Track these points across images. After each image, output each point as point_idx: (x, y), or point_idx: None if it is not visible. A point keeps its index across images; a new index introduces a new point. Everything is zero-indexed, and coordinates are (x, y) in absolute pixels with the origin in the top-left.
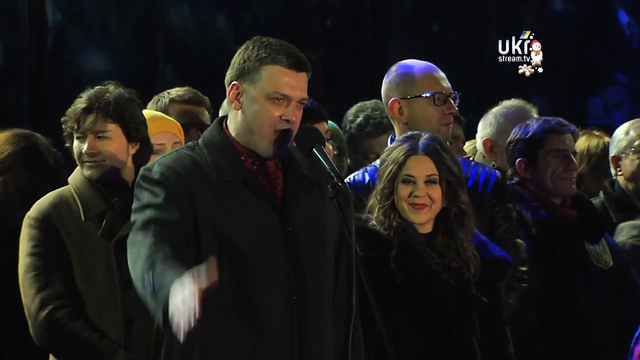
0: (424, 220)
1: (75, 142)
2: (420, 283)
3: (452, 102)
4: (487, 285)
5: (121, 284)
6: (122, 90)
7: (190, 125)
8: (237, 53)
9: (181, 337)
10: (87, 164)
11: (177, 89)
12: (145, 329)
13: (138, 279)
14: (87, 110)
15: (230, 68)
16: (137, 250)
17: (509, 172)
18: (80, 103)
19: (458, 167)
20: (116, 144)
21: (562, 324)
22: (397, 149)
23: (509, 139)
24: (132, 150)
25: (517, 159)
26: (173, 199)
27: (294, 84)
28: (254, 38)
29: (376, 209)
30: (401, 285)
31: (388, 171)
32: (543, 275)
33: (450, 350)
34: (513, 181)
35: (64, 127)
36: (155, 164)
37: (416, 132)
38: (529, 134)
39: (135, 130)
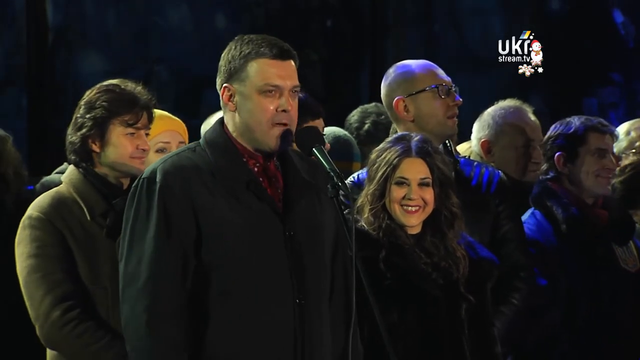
0: (415, 223)
1: (125, 137)
2: (409, 283)
3: (455, 94)
4: (474, 286)
5: None
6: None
7: None
8: (221, 57)
9: None
10: (141, 159)
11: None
12: None
13: (132, 329)
14: (144, 107)
15: (218, 73)
16: (135, 290)
17: (544, 167)
18: (131, 99)
19: (448, 168)
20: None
21: (585, 324)
22: (389, 151)
23: (547, 135)
24: None
25: (556, 153)
26: (173, 217)
27: (282, 73)
28: (236, 38)
29: (366, 210)
30: (391, 285)
31: (381, 173)
32: (569, 273)
33: (441, 350)
34: (548, 176)
35: (104, 114)
36: (157, 172)
37: (406, 133)
38: (572, 130)
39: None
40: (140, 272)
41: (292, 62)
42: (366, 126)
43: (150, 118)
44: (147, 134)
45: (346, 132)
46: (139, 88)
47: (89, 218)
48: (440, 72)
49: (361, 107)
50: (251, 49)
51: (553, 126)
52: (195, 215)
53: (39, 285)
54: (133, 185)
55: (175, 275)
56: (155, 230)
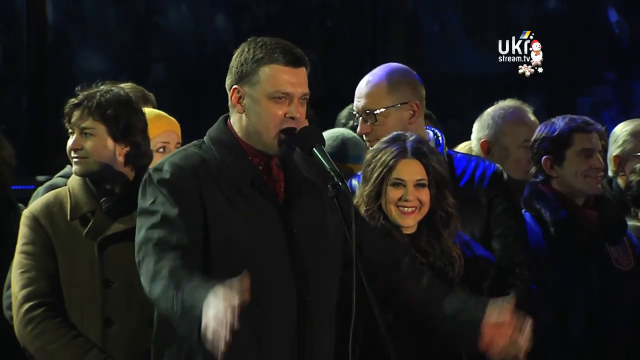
0: (411, 224)
1: (70, 139)
2: None
3: (359, 121)
4: (470, 285)
5: (102, 284)
6: (119, 91)
7: None
8: (234, 56)
9: (218, 354)
10: (74, 159)
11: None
12: (124, 330)
13: (160, 298)
14: (75, 106)
15: (229, 72)
16: (154, 267)
17: (533, 170)
18: (73, 100)
19: (444, 168)
20: (99, 142)
21: (579, 325)
22: (384, 152)
23: (533, 137)
24: (122, 152)
25: (542, 157)
26: (184, 201)
27: (294, 80)
28: (249, 39)
29: (362, 211)
30: None
31: (377, 174)
32: (559, 275)
33: (437, 350)
34: (537, 179)
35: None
36: (165, 164)
37: (400, 133)
38: (556, 132)
39: (121, 132)
40: (155, 212)
41: (304, 69)
42: (351, 123)
43: (82, 116)
44: (86, 133)
45: (355, 134)
46: (97, 88)
47: (69, 218)
48: (358, 96)
49: (351, 104)
50: (264, 54)
51: (538, 128)
52: (204, 208)
53: (17, 281)
54: (143, 178)
55: (191, 222)
56: (167, 199)
